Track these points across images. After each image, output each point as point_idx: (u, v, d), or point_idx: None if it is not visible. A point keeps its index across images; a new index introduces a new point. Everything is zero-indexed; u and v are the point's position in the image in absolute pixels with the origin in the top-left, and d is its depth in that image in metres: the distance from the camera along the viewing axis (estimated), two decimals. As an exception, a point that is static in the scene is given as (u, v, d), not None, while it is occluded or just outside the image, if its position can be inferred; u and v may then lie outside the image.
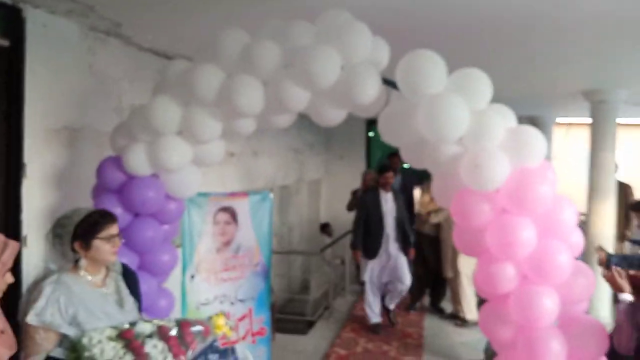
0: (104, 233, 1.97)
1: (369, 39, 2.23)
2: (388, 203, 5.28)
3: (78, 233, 1.94)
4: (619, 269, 2.27)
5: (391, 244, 5.27)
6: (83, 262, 1.97)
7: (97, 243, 1.96)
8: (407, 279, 5.27)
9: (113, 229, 2.01)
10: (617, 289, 2.25)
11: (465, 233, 2.28)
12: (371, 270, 5.32)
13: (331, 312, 5.92)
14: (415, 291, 5.91)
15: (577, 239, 2.23)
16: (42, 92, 2.67)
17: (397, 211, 5.31)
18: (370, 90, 2.18)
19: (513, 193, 2.09)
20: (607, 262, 2.33)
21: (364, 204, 5.42)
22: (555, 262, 2.08)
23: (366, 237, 5.31)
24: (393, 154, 6.13)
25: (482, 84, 2.15)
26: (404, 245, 5.33)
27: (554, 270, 2.09)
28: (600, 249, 2.50)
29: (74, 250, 1.95)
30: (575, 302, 2.21)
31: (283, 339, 5.17)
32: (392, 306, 5.53)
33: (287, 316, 5.89)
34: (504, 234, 2.08)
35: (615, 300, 2.26)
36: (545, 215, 2.12)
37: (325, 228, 7.71)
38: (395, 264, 5.26)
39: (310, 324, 5.67)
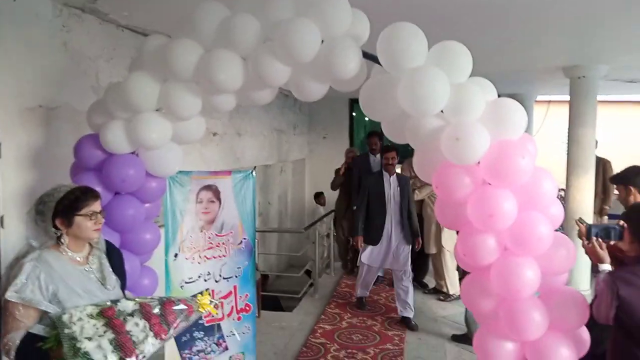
0: (86, 209, 1.96)
1: (349, 12, 2.21)
2: (392, 187, 4.99)
3: (59, 209, 1.93)
4: (599, 240, 2.29)
5: (394, 232, 4.99)
6: (65, 239, 1.96)
7: (78, 220, 1.94)
8: (407, 271, 4.99)
9: (95, 206, 1.99)
10: (597, 260, 2.26)
11: (446, 206, 2.29)
12: (371, 251, 5.07)
13: (316, 289, 5.97)
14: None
15: (557, 211, 2.26)
16: (14, 70, 2.61)
17: (400, 196, 4.98)
18: (351, 64, 2.16)
19: (493, 165, 2.09)
20: (587, 234, 2.34)
21: (365, 186, 5.12)
22: (536, 234, 2.10)
23: (367, 222, 5.04)
24: (372, 133, 6.12)
25: (462, 57, 2.15)
26: (409, 234, 5.02)
27: (535, 242, 2.11)
28: (581, 221, 2.52)
29: (55, 227, 1.94)
30: (556, 273, 2.25)
31: (268, 316, 5.21)
32: (406, 313, 4.99)
33: (273, 294, 5.94)
34: (485, 206, 2.09)
35: (595, 271, 2.28)
36: (525, 187, 2.13)
37: (318, 197, 7.63)
38: (397, 253, 5.00)
39: (295, 301, 5.72)
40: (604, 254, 2.25)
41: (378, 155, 5.89)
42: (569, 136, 5.63)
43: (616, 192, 3.14)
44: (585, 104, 5.47)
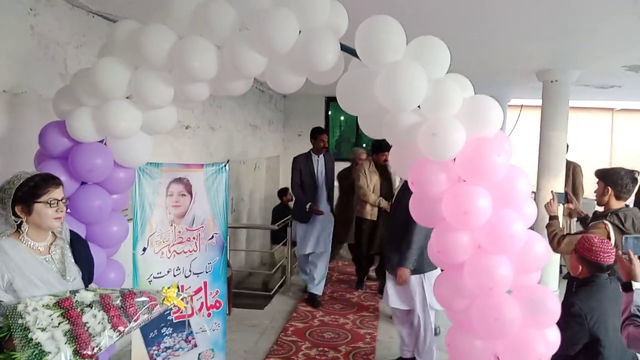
0: (46, 197, 1.88)
1: (328, 3, 2.17)
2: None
3: (18, 196, 1.85)
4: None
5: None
6: (25, 227, 1.88)
7: (38, 207, 1.87)
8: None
9: (56, 193, 1.91)
10: (628, 276, 2.16)
11: (421, 203, 2.27)
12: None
13: (288, 287, 5.92)
14: (358, 272, 6.18)
15: (531, 210, 2.26)
16: (-22, 52, 2.50)
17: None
18: (329, 56, 2.12)
19: (469, 162, 2.09)
20: (622, 245, 2.33)
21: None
22: (509, 232, 2.10)
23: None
24: (320, 131, 5.62)
25: (440, 53, 2.13)
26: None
27: (508, 240, 2.11)
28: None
29: (15, 214, 1.86)
30: (529, 271, 2.25)
31: (240, 313, 5.14)
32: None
33: (244, 291, 5.86)
34: (460, 203, 2.07)
35: (626, 289, 2.15)
36: (500, 185, 2.13)
37: (284, 194, 6.98)
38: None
39: (267, 299, 5.66)
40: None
41: (322, 156, 5.57)
42: (540, 139, 5.71)
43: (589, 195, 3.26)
44: (557, 107, 5.55)
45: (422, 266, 3.69)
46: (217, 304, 3.47)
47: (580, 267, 2.46)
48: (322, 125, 8.61)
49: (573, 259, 2.52)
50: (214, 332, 3.48)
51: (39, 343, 1.67)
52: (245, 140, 6.83)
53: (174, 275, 3.26)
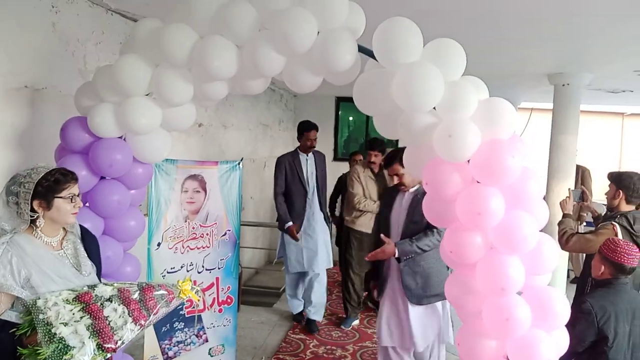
0: (66, 192, 1.89)
1: (346, 4, 2.21)
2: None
3: (38, 191, 1.84)
4: None
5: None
6: (41, 222, 1.88)
7: (58, 202, 1.87)
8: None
9: (74, 188, 1.93)
10: None
11: (435, 203, 2.30)
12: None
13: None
14: (345, 303, 5.04)
15: (543, 212, 2.29)
16: (2, 49, 2.55)
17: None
18: (346, 56, 2.15)
19: (483, 164, 2.11)
20: None
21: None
22: (522, 233, 2.12)
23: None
24: (308, 127, 4.76)
25: (456, 55, 2.16)
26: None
27: (520, 241, 2.13)
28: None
29: (32, 209, 1.85)
30: (539, 273, 2.28)
31: (249, 310, 5.19)
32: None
33: (252, 288, 5.90)
34: (474, 203, 2.10)
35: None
36: (513, 186, 2.16)
37: None
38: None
39: (275, 296, 5.70)
40: None
41: (311, 155, 4.82)
42: (550, 142, 5.71)
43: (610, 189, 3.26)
44: (568, 111, 5.55)
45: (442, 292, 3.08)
46: (229, 300, 3.52)
47: (603, 268, 2.49)
48: (332, 126, 8.64)
49: (596, 260, 2.55)
50: (224, 328, 3.53)
51: (62, 338, 1.67)
52: (256, 138, 6.87)
53: (187, 271, 3.31)
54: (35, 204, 1.85)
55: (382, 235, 3.14)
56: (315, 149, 4.83)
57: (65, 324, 1.70)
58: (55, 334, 1.68)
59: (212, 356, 3.51)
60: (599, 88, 6.54)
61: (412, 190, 3.24)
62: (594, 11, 3.19)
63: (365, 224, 4.76)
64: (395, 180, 3.30)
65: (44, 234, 1.90)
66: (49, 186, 1.86)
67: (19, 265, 1.78)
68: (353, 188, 4.76)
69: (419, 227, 3.13)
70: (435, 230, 3.07)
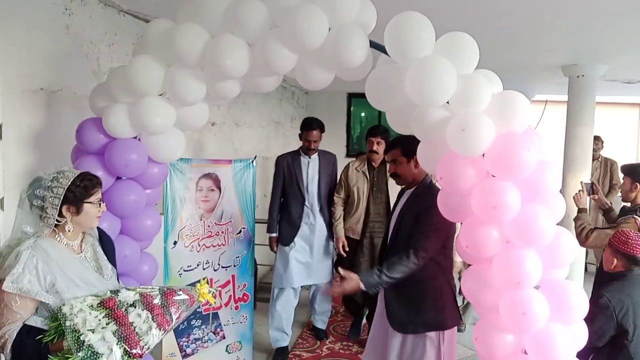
0: (94, 197, 1.90)
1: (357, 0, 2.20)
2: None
3: (68, 196, 1.84)
4: None
5: None
6: (70, 227, 1.87)
7: (87, 207, 1.88)
8: None
9: (100, 193, 1.94)
10: None
11: (450, 198, 2.29)
12: None
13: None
14: (351, 314, 4.81)
15: (560, 205, 2.27)
16: (17, 52, 2.59)
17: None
18: (358, 52, 2.15)
19: (498, 157, 2.09)
20: None
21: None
22: (539, 227, 2.10)
23: None
24: (308, 125, 4.11)
25: (469, 48, 2.14)
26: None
27: (537, 235, 2.11)
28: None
29: (60, 214, 1.84)
30: (557, 266, 2.26)
31: (264, 307, 5.20)
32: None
33: (268, 285, 5.91)
34: (489, 197, 2.09)
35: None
36: (529, 180, 2.14)
37: None
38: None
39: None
40: None
41: (314, 156, 4.16)
42: (566, 134, 5.65)
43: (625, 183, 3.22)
44: (583, 103, 5.48)
45: (439, 320, 2.65)
46: (245, 297, 3.54)
47: (615, 261, 2.47)
48: (344, 122, 8.62)
49: (607, 253, 2.52)
50: (241, 325, 3.55)
51: (91, 345, 1.66)
52: (268, 136, 6.89)
53: (203, 269, 3.33)
54: (64, 209, 1.85)
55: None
56: (322, 149, 4.25)
57: (93, 331, 1.69)
58: (83, 341, 1.67)
59: (229, 353, 3.54)
60: (615, 79, 6.45)
61: (410, 190, 2.78)
62: (608, 1, 3.14)
63: (352, 229, 4.17)
64: (390, 169, 2.87)
65: (65, 237, 1.89)
66: (80, 192, 1.87)
67: (45, 271, 1.77)
68: (337, 191, 4.19)
69: (404, 239, 2.62)
70: (412, 252, 2.53)
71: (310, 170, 4.09)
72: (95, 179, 1.95)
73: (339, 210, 4.12)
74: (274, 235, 4.11)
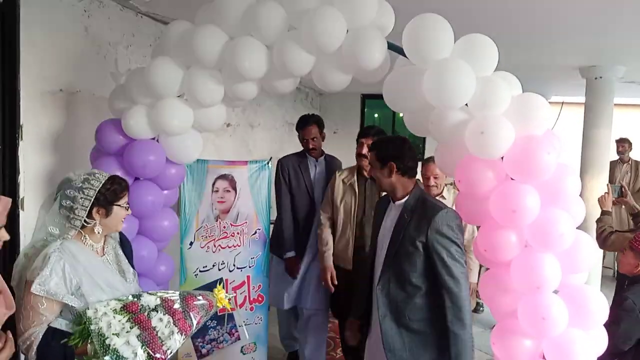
0: (123, 200, 1.92)
1: (375, 1, 2.20)
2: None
3: (99, 199, 1.84)
4: None
5: None
6: (99, 229, 1.88)
7: (116, 210, 1.89)
8: None
9: (127, 197, 1.96)
10: None
11: (469, 200, 2.28)
12: None
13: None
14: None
15: (579, 209, 2.24)
16: (38, 54, 2.62)
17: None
18: (376, 54, 2.15)
19: (517, 160, 2.08)
20: None
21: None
22: (558, 231, 2.08)
23: None
24: (303, 123, 3.61)
25: (488, 51, 2.13)
26: None
27: (556, 239, 2.09)
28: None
29: (89, 215, 1.84)
30: (576, 271, 2.23)
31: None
32: None
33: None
34: (508, 201, 2.07)
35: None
36: (548, 183, 2.12)
37: None
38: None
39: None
40: None
41: (322, 161, 3.66)
42: (583, 137, 5.58)
43: None
44: (602, 104, 5.41)
45: None
46: (260, 298, 3.55)
47: (638, 264, 2.43)
48: (358, 124, 8.60)
49: (629, 257, 2.49)
50: (256, 326, 3.55)
51: (116, 349, 1.66)
52: (282, 138, 6.90)
53: (219, 270, 3.34)
54: (94, 210, 1.85)
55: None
56: (330, 154, 3.75)
57: (117, 335, 1.69)
58: (109, 345, 1.67)
59: (244, 354, 3.55)
60: (633, 80, 6.36)
61: (399, 202, 2.30)
62: (626, 3, 3.10)
63: (341, 257, 3.31)
64: (368, 172, 2.43)
65: (91, 239, 1.89)
66: (110, 194, 1.87)
67: (71, 273, 1.77)
68: (323, 208, 3.41)
69: (405, 257, 2.19)
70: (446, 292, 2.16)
71: (318, 174, 3.59)
72: (125, 183, 1.95)
73: (326, 233, 3.32)
74: (291, 255, 3.49)
